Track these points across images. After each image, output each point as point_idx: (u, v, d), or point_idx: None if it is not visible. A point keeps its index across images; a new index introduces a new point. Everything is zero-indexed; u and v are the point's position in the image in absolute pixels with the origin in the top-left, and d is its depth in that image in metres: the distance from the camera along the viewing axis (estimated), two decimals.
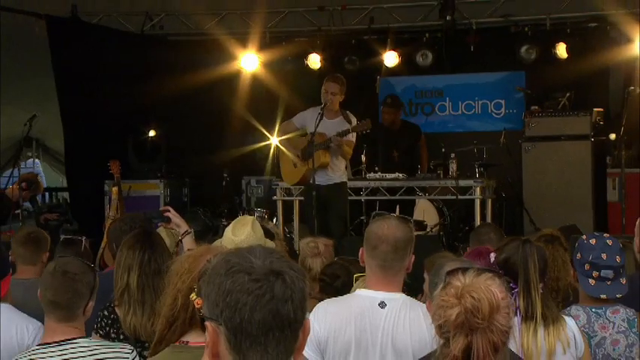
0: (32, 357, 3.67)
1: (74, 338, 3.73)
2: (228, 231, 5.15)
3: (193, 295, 2.70)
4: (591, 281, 4.12)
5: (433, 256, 5.07)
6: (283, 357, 1.97)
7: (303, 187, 9.46)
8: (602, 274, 4.11)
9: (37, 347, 3.75)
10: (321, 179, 8.85)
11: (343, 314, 3.67)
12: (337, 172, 9.08)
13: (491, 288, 2.64)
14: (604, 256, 4.13)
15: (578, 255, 4.19)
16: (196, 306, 2.69)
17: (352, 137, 8.96)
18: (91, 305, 3.89)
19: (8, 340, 4.36)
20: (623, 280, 4.17)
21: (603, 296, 4.10)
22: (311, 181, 8.66)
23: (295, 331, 1.98)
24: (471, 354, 2.53)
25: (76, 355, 3.66)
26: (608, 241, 4.24)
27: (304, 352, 2.23)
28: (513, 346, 3.72)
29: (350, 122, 8.88)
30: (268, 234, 6.35)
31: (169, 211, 5.14)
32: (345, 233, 9.00)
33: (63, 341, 3.69)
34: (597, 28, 11.74)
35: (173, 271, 3.12)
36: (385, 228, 3.82)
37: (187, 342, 2.99)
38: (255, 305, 1.93)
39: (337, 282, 4.88)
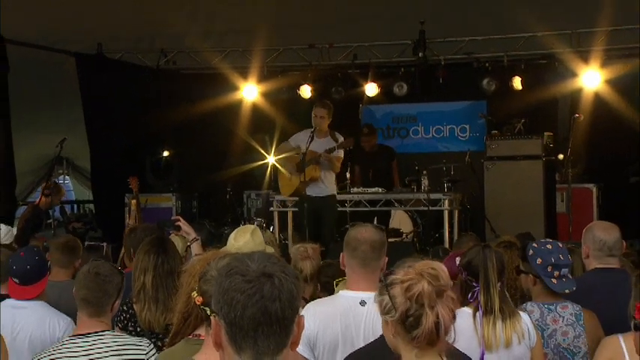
0: (66, 346, 3.66)
1: (102, 331, 3.72)
2: (230, 238, 5.13)
3: (194, 294, 2.70)
4: (554, 280, 4.10)
5: (408, 260, 5.08)
6: (274, 350, 1.95)
7: (297, 198, 9.42)
8: (561, 273, 4.11)
9: (70, 337, 3.74)
10: (313, 191, 8.88)
11: (329, 312, 3.66)
12: (328, 185, 9.08)
13: (438, 264, 2.62)
14: (561, 257, 4.12)
15: (539, 260, 4.15)
16: (197, 303, 2.69)
17: (340, 154, 8.98)
18: (118, 303, 3.89)
19: (42, 332, 4.34)
20: (571, 276, 4.19)
21: (567, 291, 4.09)
22: (303, 193, 8.68)
23: (284, 327, 1.96)
24: (439, 324, 2.48)
25: (103, 346, 3.65)
26: (559, 244, 4.26)
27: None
28: (475, 337, 3.72)
29: (337, 141, 8.92)
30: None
31: (180, 220, 5.12)
32: (333, 239, 8.99)
33: (92, 333, 3.69)
34: (547, 64, 11.78)
35: (187, 273, 3.11)
36: (363, 232, 3.81)
37: (199, 335, 2.96)
38: (247, 303, 1.93)
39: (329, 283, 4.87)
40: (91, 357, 3.60)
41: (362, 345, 3.55)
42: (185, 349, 2.91)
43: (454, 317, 2.53)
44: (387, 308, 2.56)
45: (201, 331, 2.98)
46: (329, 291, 4.73)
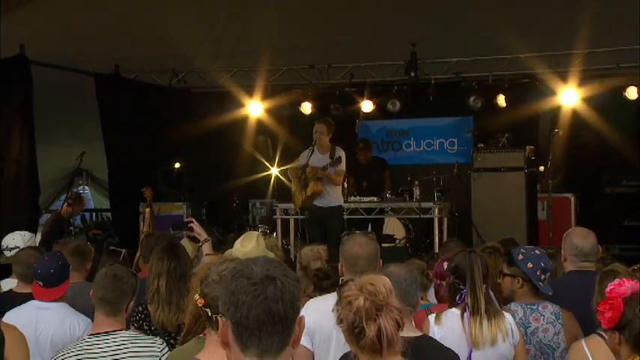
0: (85, 344, 3.65)
1: (118, 330, 3.71)
2: (237, 243, 5.14)
3: (197, 296, 2.70)
4: (541, 283, 4.14)
5: (404, 263, 5.09)
6: (277, 347, 1.96)
7: (308, 210, 9.18)
8: (546, 276, 4.14)
9: (89, 336, 3.73)
10: (320, 203, 8.82)
11: (326, 309, 3.65)
12: (333, 196, 8.92)
13: (381, 278, 2.62)
14: (546, 262, 4.16)
15: (530, 264, 4.15)
16: (199, 304, 2.69)
17: (341, 167, 8.83)
18: (132, 304, 3.89)
19: (63, 332, 4.34)
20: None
21: (551, 292, 4.13)
22: (311, 205, 8.70)
23: (287, 326, 1.96)
24: (381, 335, 2.48)
25: (119, 344, 3.64)
26: (542, 250, 4.29)
27: None
28: (463, 336, 3.73)
29: (333, 157, 8.82)
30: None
31: (192, 222, 5.12)
32: (338, 245, 8.91)
33: (109, 332, 3.68)
34: (529, 83, 11.75)
35: (196, 277, 3.11)
36: (358, 247, 3.81)
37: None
38: (252, 304, 1.93)
39: (326, 281, 4.86)
40: (109, 355, 3.60)
41: None
42: (195, 347, 2.90)
43: (399, 327, 2.52)
44: (339, 319, 2.58)
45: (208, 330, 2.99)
46: (318, 288, 4.75)
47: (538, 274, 4.13)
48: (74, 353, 3.60)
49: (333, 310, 2.61)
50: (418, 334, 3.23)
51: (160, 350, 3.61)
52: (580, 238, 4.62)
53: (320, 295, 4.35)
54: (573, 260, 4.59)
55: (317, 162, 8.74)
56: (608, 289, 2.66)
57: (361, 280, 2.60)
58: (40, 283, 4.42)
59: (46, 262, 4.53)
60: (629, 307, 2.59)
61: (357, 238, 3.91)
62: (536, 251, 4.22)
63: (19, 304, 4.43)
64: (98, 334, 3.69)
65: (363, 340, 2.51)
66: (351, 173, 10.69)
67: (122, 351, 3.61)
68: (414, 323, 3.56)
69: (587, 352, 3.39)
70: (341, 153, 8.82)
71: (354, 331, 2.53)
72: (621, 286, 2.62)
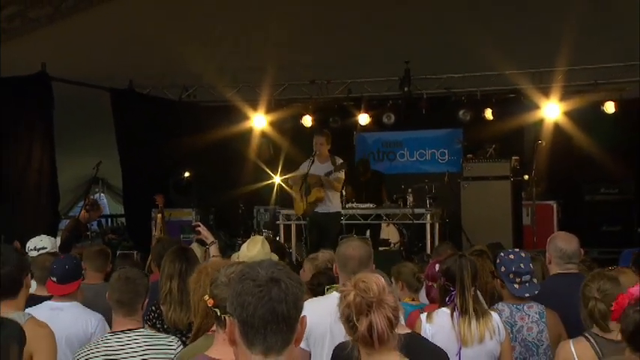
0: (105, 342, 3.66)
1: (136, 328, 3.72)
2: (243, 247, 5.16)
3: (206, 296, 2.71)
4: (516, 285, 4.13)
5: (397, 266, 5.10)
6: (281, 345, 1.96)
7: (309, 216, 9.21)
8: (523, 279, 4.12)
9: (109, 334, 3.73)
10: (320, 209, 8.84)
11: (321, 310, 3.65)
12: (333, 202, 8.97)
13: (375, 276, 2.61)
14: (522, 265, 4.14)
15: (503, 268, 4.18)
16: (209, 305, 2.70)
17: (340, 175, 8.87)
18: (146, 302, 3.89)
19: (76, 330, 4.35)
20: (535, 281, 4.21)
21: (527, 295, 4.11)
22: (313, 211, 8.71)
23: (290, 325, 1.97)
24: (372, 330, 2.48)
25: (138, 341, 3.65)
26: (522, 254, 4.27)
27: None
28: (453, 333, 3.74)
29: (335, 164, 8.87)
30: (281, 250, 6.34)
31: (200, 226, 5.13)
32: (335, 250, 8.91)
33: (127, 330, 3.68)
34: (514, 98, 11.78)
35: (193, 281, 3.13)
36: (351, 249, 3.79)
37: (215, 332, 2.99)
38: (257, 304, 1.93)
39: (320, 288, 4.86)
40: (138, 354, 3.61)
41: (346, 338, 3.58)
42: (205, 342, 2.92)
43: (392, 325, 2.52)
44: (340, 313, 2.59)
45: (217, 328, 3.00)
46: (315, 294, 4.73)
47: (511, 277, 4.13)
48: (99, 349, 3.61)
49: (335, 318, 2.63)
50: (407, 331, 3.23)
51: (175, 348, 3.61)
52: (564, 242, 4.62)
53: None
54: (558, 262, 4.58)
55: (317, 171, 8.78)
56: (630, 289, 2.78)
57: (356, 277, 2.61)
58: (55, 279, 4.44)
59: (62, 261, 4.58)
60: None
61: (351, 242, 3.91)
62: (511, 256, 4.20)
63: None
64: (117, 332, 3.69)
65: (356, 334, 2.53)
66: (353, 186, 10.71)
67: (142, 348, 3.62)
68: (404, 322, 3.56)
69: (574, 353, 3.40)
70: (341, 160, 8.88)
71: (349, 324, 2.55)
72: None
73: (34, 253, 6.03)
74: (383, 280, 2.61)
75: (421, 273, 4.96)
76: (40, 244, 6.15)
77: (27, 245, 6.24)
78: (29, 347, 3.34)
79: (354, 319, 2.50)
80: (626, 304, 2.73)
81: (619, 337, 2.78)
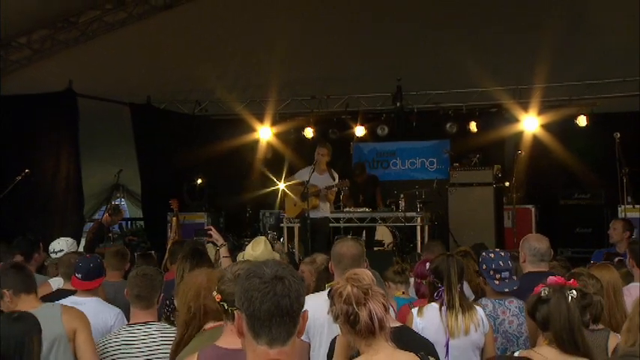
0: (125, 333, 3.67)
1: (152, 321, 3.73)
2: (248, 247, 5.15)
3: (215, 292, 2.70)
4: (496, 282, 4.12)
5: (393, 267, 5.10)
6: (284, 336, 1.96)
7: (300, 218, 9.45)
8: (502, 276, 4.11)
9: (127, 326, 3.74)
10: (313, 214, 8.88)
11: (320, 303, 3.63)
12: (323, 209, 9.17)
13: (362, 270, 2.60)
14: (501, 263, 4.13)
15: (484, 266, 4.18)
16: (217, 299, 2.68)
17: (336, 188, 9.16)
18: (162, 297, 3.89)
19: (96, 322, 4.32)
20: (515, 278, 4.19)
21: (507, 290, 4.10)
22: (306, 215, 8.74)
23: (293, 318, 1.96)
24: (373, 316, 2.44)
25: (154, 332, 3.66)
26: (501, 253, 4.26)
27: None
28: (441, 326, 3.73)
29: (334, 178, 8.98)
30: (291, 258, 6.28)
31: (211, 229, 5.13)
32: (327, 248, 8.95)
33: (144, 323, 3.69)
34: (496, 112, 11.81)
35: (179, 295, 3.18)
36: (345, 248, 3.77)
37: (204, 329, 3.04)
38: (263, 299, 1.93)
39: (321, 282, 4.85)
40: (148, 341, 3.62)
41: None
42: (214, 335, 2.91)
43: (386, 309, 2.50)
44: (335, 316, 2.53)
45: (210, 325, 3.01)
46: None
47: (492, 274, 4.12)
48: (120, 338, 3.62)
49: (328, 313, 2.58)
50: (398, 324, 3.22)
51: None
52: (537, 242, 4.61)
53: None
54: (532, 260, 4.56)
55: (316, 181, 8.89)
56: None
57: (346, 274, 2.59)
58: (79, 275, 4.44)
59: (87, 259, 4.58)
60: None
61: (346, 241, 3.90)
62: (491, 254, 4.20)
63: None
64: (135, 324, 3.70)
65: (358, 324, 2.45)
66: (350, 189, 10.71)
67: (159, 338, 3.63)
68: (394, 315, 3.55)
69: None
70: (337, 175, 9.07)
71: (349, 319, 2.47)
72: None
73: (53, 255, 6.06)
74: (370, 273, 2.59)
75: (403, 269, 4.98)
76: (58, 246, 6.20)
77: (49, 248, 6.28)
78: (72, 325, 3.58)
79: (355, 310, 2.45)
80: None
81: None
